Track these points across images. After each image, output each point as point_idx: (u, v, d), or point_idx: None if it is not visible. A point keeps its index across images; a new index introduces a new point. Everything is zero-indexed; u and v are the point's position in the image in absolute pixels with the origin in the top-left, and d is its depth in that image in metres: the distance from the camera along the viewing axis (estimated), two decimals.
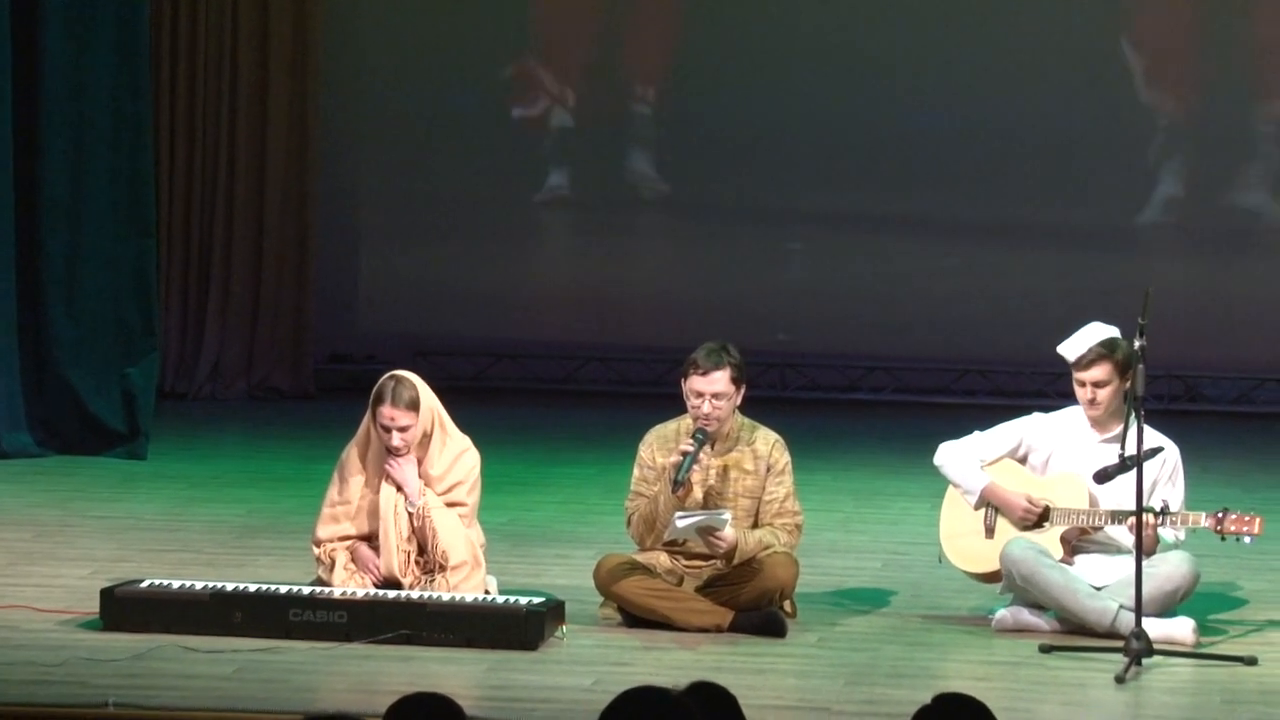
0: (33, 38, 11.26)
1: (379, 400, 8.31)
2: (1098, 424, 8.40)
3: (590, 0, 13.69)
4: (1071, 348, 8.39)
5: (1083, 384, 8.37)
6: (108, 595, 8.18)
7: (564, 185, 13.74)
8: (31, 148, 11.32)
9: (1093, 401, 8.36)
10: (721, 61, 13.58)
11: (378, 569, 8.30)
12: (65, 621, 8.21)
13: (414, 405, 8.28)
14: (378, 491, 8.35)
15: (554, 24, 13.65)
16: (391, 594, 8.17)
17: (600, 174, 13.74)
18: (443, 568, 8.31)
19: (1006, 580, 8.33)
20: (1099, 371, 8.33)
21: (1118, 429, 8.23)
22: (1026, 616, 8.31)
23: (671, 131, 13.74)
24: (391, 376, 8.39)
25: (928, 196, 13.58)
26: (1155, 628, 8.00)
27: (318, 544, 8.41)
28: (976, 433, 8.50)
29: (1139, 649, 7.81)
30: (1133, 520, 8.03)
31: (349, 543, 8.38)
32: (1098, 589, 8.27)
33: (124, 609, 8.12)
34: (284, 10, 13.38)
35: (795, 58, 13.48)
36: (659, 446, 8.43)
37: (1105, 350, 8.34)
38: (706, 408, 8.29)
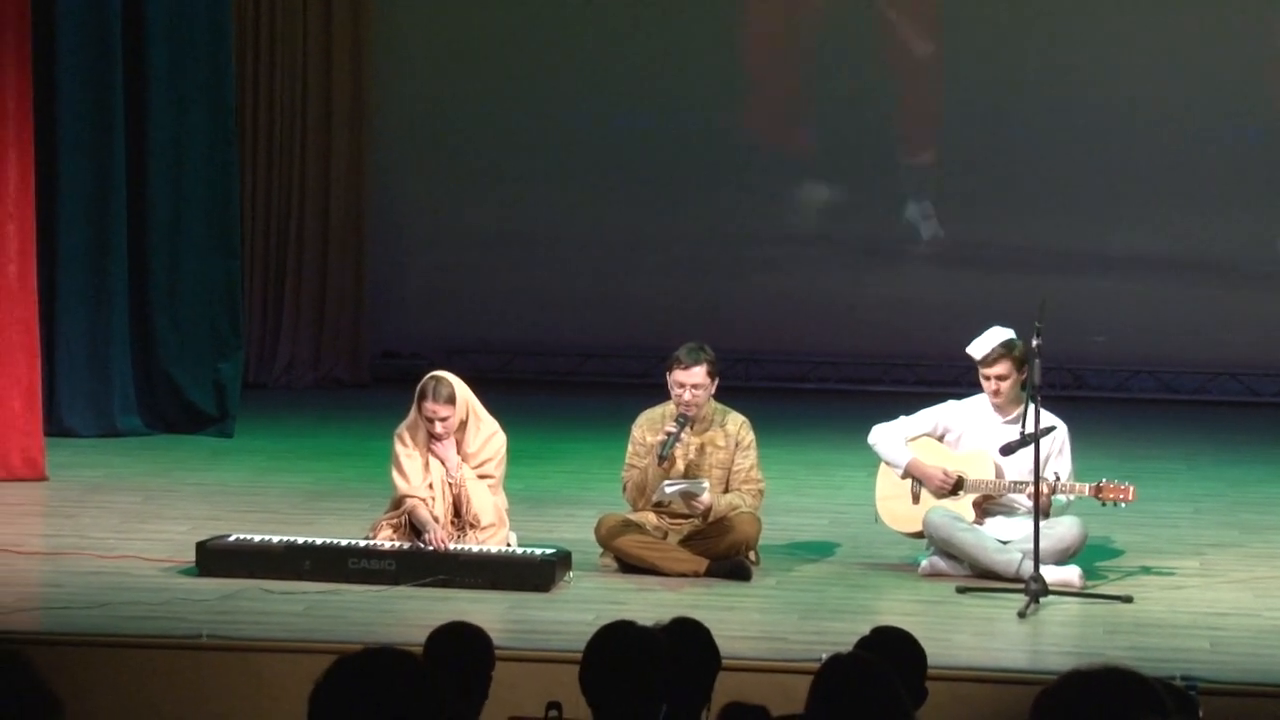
0: (141, 100, 11.24)
1: (422, 397, 8.29)
2: (1000, 409, 8.40)
3: (603, 34, 13.60)
4: (978, 349, 8.39)
5: (988, 378, 8.36)
6: (201, 547, 8.17)
7: (577, 212, 13.69)
8: (141, 188, 11.30)
9: (997, 392, 8.36)
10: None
11: (436, 527, 8.19)
12: (167, 569, 8.20)
13: (451, 400, 8.26)
14: (425, 465, 8.33)
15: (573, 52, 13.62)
16: (432, 546, 8.14)
17: (601, 208, 13.70)
18: (474, 526, 8.29)
19: (929, 541, 8.33)
20: (1001, 368, 8.33)
21: (1017, 411, 8.24)
22: (944, 565, 8.30)
23: (657, 158, 13.69)
24: (432, 377, 8.36)
25: (871, 224, 13.56)
26: (1050, 573, 8.00)
27: (403, 498, 8.28)
28: (903, 416, 8.49)
29: (1037, 590, 7.81)
30: (1032, 488, 8.03)
31: (412, 501, 8.28)
32: (1004, 543, 8.26)
33: (215, 558, 8.11)
34: (344, 67, 13.36)
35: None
36: (648, 427, 8.42)
37: (1005, 350, 8.34)
38: (688, 396, 8.28)
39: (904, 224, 13.46)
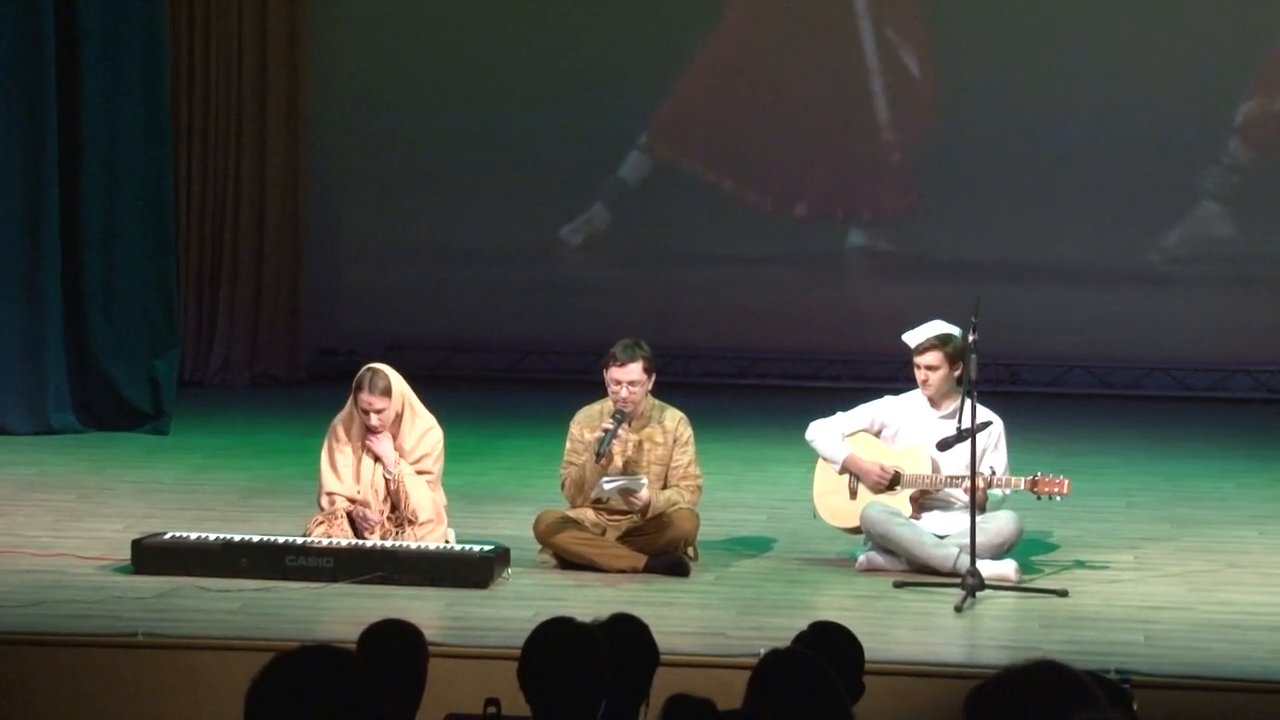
0: (74, 93, 11.17)
1: (358, 388, 8.27)
2: (934, 402, 8.43)
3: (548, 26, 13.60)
4: (913, 336, 8.44)
5: (918, 366, 8.41)
6: (137, 545, 8.13)
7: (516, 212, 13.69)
8: (74, 183, 11.24)
9: (925, 382, 8.40)
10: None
11: (379, 524, 8.21)
12: (102, 567, 8.15)
13: (387, 392, 8.24)
14: (359, 459, 8.31)
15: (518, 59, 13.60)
16: (369, 543, 8.12)
17: (539, 205, 13.69)
18: (412, 523, 8.27)
19: (866, 536, 8.36)
20: (931, 357, 8.37)
21: (953, 406, 8.27)
22: (881, 560, 8.33)
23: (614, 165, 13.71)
24: (369, 368, 8.35)
25: (803, 230, 13.60)
26: (986, 567, 8.04)
27: (333, 494, 8.27)
28: (840, 412, 8.51)
29: (973, 584, 7.85)
30: (968, 483, 8.07)
31: (350, 505, 8.27)
32: (941, 538, 8.30)
33: (150, 556, 8.07)
34: (280, 66, 13.32)
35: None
36: (586, 424, 8.42)
37: (939, 342, 8.38)
38: (624, 392, 8.28)
39: (843, 227, 13.50)
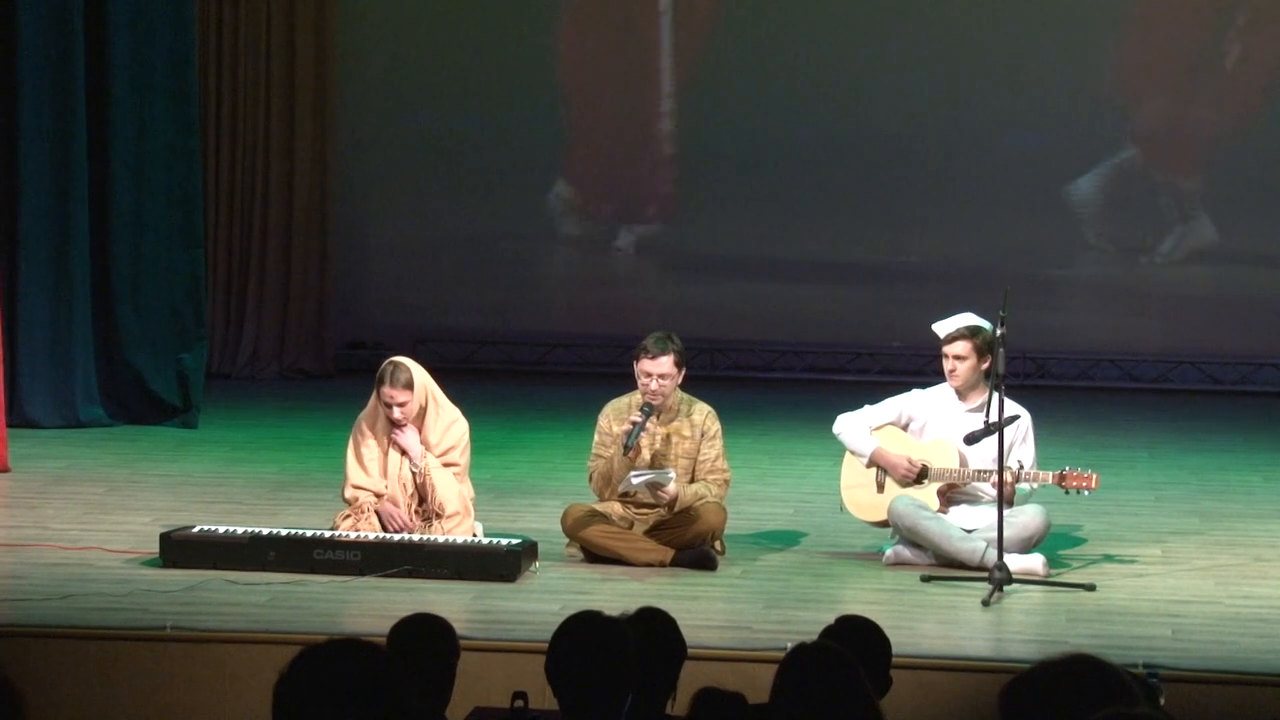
0: (103, 87, 11.19)
1: (380, 382, 8.26)
2: (962, 396, 8.40)
3: (588, 25, 13.59)
4: (942, 326, 8.42)
5: (946, 356, 8.39)
6: (165, 538, 8.14)
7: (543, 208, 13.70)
8: (103, 176, 11.26)
9: (952, 371, 8.38)
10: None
11: (404, 521, 8.21)
12: (130, 560, 8.16)
13: (409, 385, 8.24)
14: (385, 453, 8.30)
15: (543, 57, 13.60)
16: (397, 537, 8.12)
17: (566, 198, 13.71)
18: (439, 516, 8.27)
19: (893, 530, 8.34)
20: (959, 347, 8.35)
21: (980, 400, 8.25)
22: (909, 554, 8.31)
23: (630, 163, 13.69)
24: (390, 362, 8.34)
25: (833, 229, 13.58)
26: (1014, 561, 8.01)
27: (358, 488, 8.29)
28: (867, 405, 8.49)
29: (1000, 578, 7.82)
30: (995, 477, 8.05)
31: (374, 500, 8.28)
32: (968, 531, 8.28)
33: (178, 550, 8.08)
34: (308, 59, 13.33)
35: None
36: (614, 417, 8.41)
37: (968, 332, 8.36)
38: (654, 385, 8.27)
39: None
